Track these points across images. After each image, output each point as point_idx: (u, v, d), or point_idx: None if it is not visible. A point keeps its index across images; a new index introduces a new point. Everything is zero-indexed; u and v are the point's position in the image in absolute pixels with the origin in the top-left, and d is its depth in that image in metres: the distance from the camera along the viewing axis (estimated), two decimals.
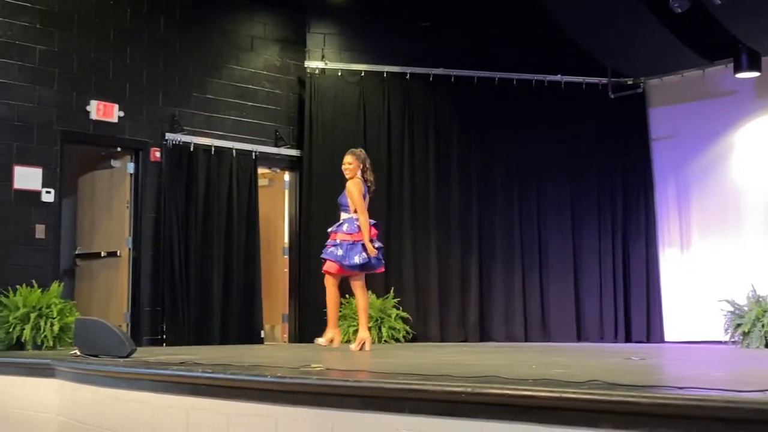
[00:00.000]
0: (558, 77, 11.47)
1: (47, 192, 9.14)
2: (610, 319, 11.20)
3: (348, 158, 7.91)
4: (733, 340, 8.91)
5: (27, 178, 9.01)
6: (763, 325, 8.57)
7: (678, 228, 11.22)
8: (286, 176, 11.31)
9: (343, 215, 7.82)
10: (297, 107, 11.19)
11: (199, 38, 10.43)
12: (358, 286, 7.88)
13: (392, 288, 10.53)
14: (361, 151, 8.02)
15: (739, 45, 10.03)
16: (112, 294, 9.87)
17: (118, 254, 9.86)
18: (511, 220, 11.40)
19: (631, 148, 11.55)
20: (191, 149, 10.15)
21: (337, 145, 10.19)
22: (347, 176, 7.88)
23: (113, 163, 10.09)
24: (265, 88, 10.97)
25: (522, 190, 11.47)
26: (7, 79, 8.98)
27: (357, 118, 11.17)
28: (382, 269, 8.08)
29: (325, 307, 8.03)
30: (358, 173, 7.84)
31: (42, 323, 8.30)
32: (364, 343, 7.76)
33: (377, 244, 7.78)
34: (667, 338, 11.00)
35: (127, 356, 6.13)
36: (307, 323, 10.53)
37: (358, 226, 7.65)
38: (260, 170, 10.94)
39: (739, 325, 8.79)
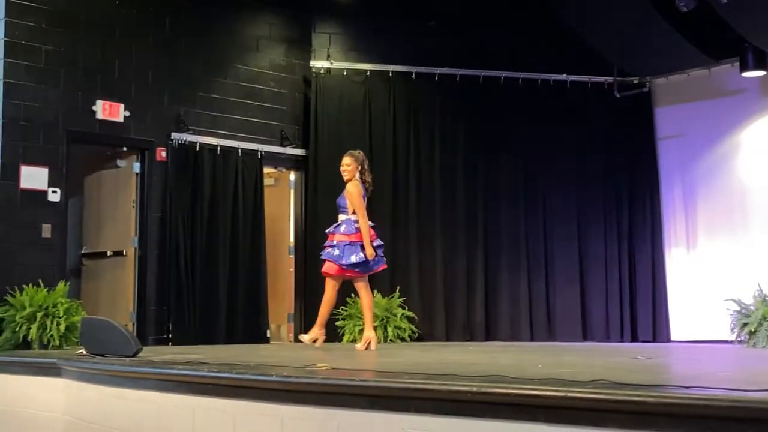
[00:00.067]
0: (563, 76, 11.45)
1: (53, 192, 9.15)
2: (616, 319, 11.18)
3: (346, 160, 7.93)
4: (739, 339, 8.89)
5: (33, 177, 9.02)
6: None
7: (684, 227, 11.20)
8: (292, 176, 11.31)
9: (341, 216, 7.85)
10: (302, 107, 11.19)
11: (204, 38, 10.43)
12: (361, 287, 7.88)
13: (398, 287, 10.53)
14: (359, 153, 8.02)
15: (746, 44, 10.00)
16: (118, 293, 9.88)
17: (124, 254, 9.87)
18: (516, 218, 11.39)
19: (637, 148, 11.53)
20: (197, 149, 10.16)
21: (342, 144, 10.16)
22: (345, 178, 7.90)
23: (119, 162, 10.11)
24: (271, 87, 10.97)
25: (528, 188, 11.46)
26: (13, 79, 8.99)
27: (362, 117, 11.17)
28: (384, 266, 8.05)
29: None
30: (357, 175, 7.86)
31: (48, 323, 8.31)
32: (369, 342, 7.77)
33: (377, 243, 7.79)
34: (673, 338, 10.99)
35: (133, 355, 6.14)
36: (312, 323, 10.37)
37: (357, 228, 7.67)
38: (266, 170, 10.95)
39: (745, 325, 8.77)
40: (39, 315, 8.29)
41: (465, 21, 11.25)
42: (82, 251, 10.28)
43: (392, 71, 11.27)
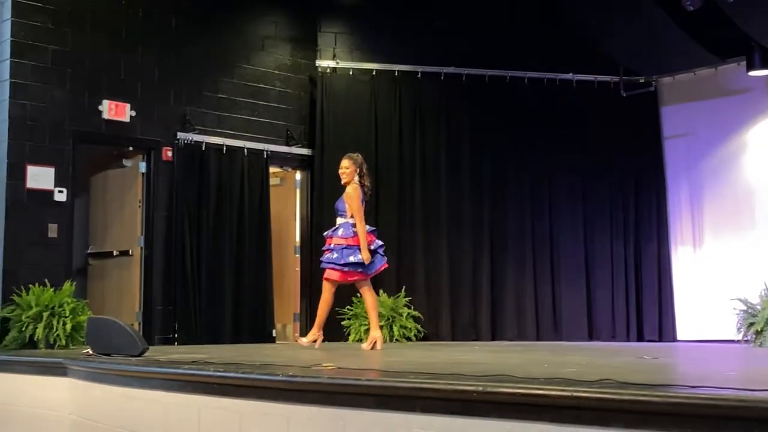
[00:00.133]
0: (570, 76, 11.43)
1: (60, 191, 9.16)
2: (622, 318, 11.17)
3: (345, 162, 7.95)
4: (745, 338, 8.87)
5: (39, 177, 9.04)
6: None
7: (690, 226, 11.19)
8: (298, 175, 11.32)
9: (339, 220, 7.87)
10: (308, 106, 11.19)
11: (210, 37, 10.44)
12: (364, 289, 7.92)
13: (404, 287, 10.53)
14: (358, 156, 8.03)
15: (752, 43, 9.98)
16: (124, 293, 9.90)
17: (130, 253, 9.88)
18: (522, 218, 11.38)
19: (644, 147, 11.51)
20: (203, 148, 10.17)
21: (348, 144, 10.19)
22: (344, 180, 7.93)
23: (125, 162, 10.12)
24: (277, 87, 10.98)
25: (534, 188, 11.45)
26: (19, 79, 9.01)
27: (368, 117, 11.17)
28: (385, 265, 8.05)
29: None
30: (356, 178, 7.86)
31: (54, 322, 8.32)
32: (375, 342, 7.78)
33: (377, 243, 7.83)
34: (679, 337, 10.97)
35: (139, 355, 6.15)
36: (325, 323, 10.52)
37: (354, 232, 7.69)
38: (272, 169, 10.95)
39: (751, 324, 8.75)
40: (45, 314, 8.31)
41: (471, 20, 11.24)
42: (89, 251, 10.30)
43: (398, 71, 11.27)
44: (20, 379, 7.08)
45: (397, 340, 10.03)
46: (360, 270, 7.72)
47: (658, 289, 11.18)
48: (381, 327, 9.38)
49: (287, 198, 11.35)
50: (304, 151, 11.09)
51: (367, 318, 8.68)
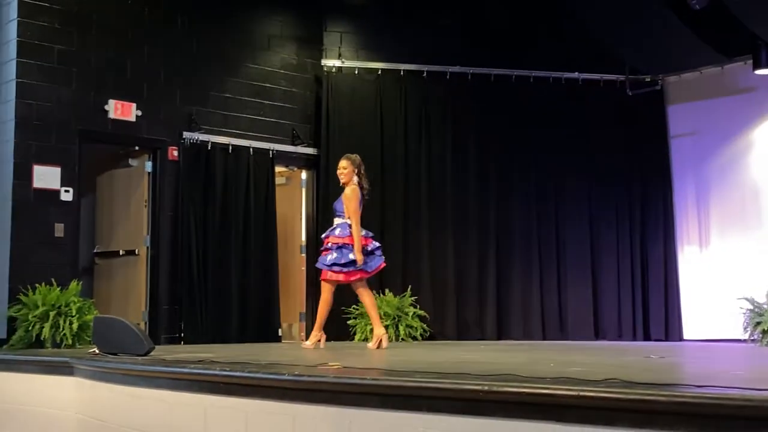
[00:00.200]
0: (575, 74, 11.42)
1: (66, 191, 9.18)
2: (628, 317, 11.15)
3: (343, 163, 8.00)
4: (752, 338, 8.85)
5: (46, 177, 9.06)
6: None
7: (697, 225, 11.17)
8: (303, 174, 11.32)
9: (337, 220, 7.92)
10: (314, 106, 11.19)
11: (216, 37, 10.45)
12: (360, 290, 7.95)
13: (409, 286, 10.52)
14: (356, 157, 8.06)
15: (758, 41, 9.96)
16: (130, 292, 9.91)
17: (137, 253, 9.90)
18: (528, 217, 11.37)
19: (650, 146, 11.49)
20: (209, 148, 10.18)
21: (354, 143, 10.20)
22: (342, 181, 7.97)
23: (131, 162, 10.14)
24: (282, 86, 10.98)
25: (539, 187, 11.44)
26: (26, 79, 9.03)
27: (374, 116, 11.17)
28: (383, 264, 8.08)
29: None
30: (354, 178, 7.89)
31: (61, 321, 8.34)
32: (381, 340, 7.80)
33: (374, 245, 7.88)
34: (685, 336, 10.95)
35: (146, 354, 6.16)
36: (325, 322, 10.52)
37: (351, 232, 7.72)
38: (277, 168, 10.96)
39: (758, 323, 8.73)
40: (52, 314, 8.33)
41: (476, 19, 11.24)
42: (95, 250, 10.32)
43: (404, 70, 11.27)
44: (27, 379, 7.09)
45: (402, 339, 10.02)
46: (360, 268, 7.76)
47: (664, 288, 11.16)
48: (387, 327, 9.44)
49: (293, 197, 11.35)
50: (310, 151, 11.09)
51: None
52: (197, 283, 9.88)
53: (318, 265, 8.03)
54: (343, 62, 11.14)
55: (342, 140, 10.80)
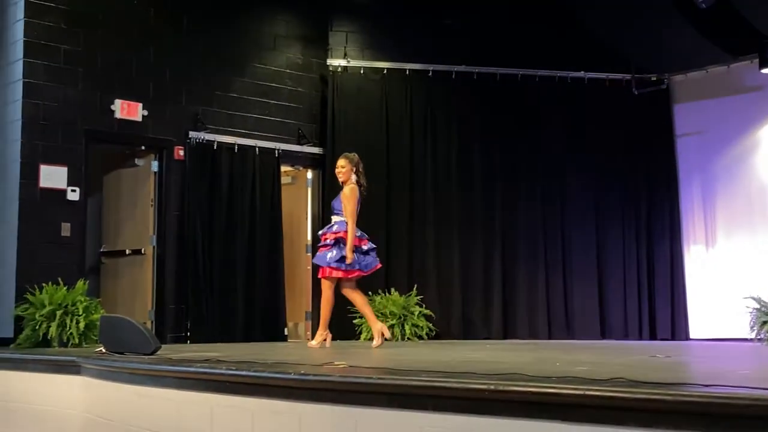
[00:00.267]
0: (581, 74, 11.41)
1: (72, 190, 9.20)
2: (634, 317, 11.14)
3: (341, 161, 8.05)
4: (759, 337, 8.82)
5: (52, 176, 9.08)
6: None
7: (703, 224, 11.15)
8: (309, 174, 11.33)
9: (335, 218, 8.00)
10: (319, 105, 11.20)
11: (222, 37, 10.46)
12: (348, 291, 8.01)
13: (415, 285, 10.51)
14: (354, 155, 8.11)
15: (764, 40, 9.94)
16: (136, 291, 9.93)
17: (143, 252, 9.91)
18: (534, 217, 11.36)
19: (656, 145, 11.48)
20: (214, 147, 10.19)
21: (359, 142, 10.22)
22: (340, 179, 8.03)
23: (137, 161, 10.15)
24: (288, 86, 10.99)
25: (545, 187, 11.43)
26: (32, 79, 9.05)
27: (379, 115, 11.18)
28: (379, 265, 8.17)
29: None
30: (353, 177, 7.91)
31: (68, 321, 8.35)
32: (382, 333, 7.85)
33: (368, 246, 7.93)
34: (692, 335, 10.94)
35: (152, 353, 6.17)
36: (330, 320, 10.52)
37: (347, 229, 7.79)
38: (283, 168, 10.97)
39: (765, 323, 8.71)
40: (59, 313, 8.34)
41: (482, 19, 11.23)
42: (101, 250, 10.33)
43: (409, 69, 11.27)
44: (34, 378, 7.10)
45: (408, 338, 10.02)
46: (357, 267, 7.82)
47: (670, 288, 11.15)
48: (392, 326, 9.48)
49: (299, 197, 11.36)
50: (316, 150, 11.10)
51: (378, 316, 8.71)
52: (203, 283, 9.89)
53: (316, 261, 8.06)
54: (348, 62, 11.14)
55: (347, 139, 10.80)
